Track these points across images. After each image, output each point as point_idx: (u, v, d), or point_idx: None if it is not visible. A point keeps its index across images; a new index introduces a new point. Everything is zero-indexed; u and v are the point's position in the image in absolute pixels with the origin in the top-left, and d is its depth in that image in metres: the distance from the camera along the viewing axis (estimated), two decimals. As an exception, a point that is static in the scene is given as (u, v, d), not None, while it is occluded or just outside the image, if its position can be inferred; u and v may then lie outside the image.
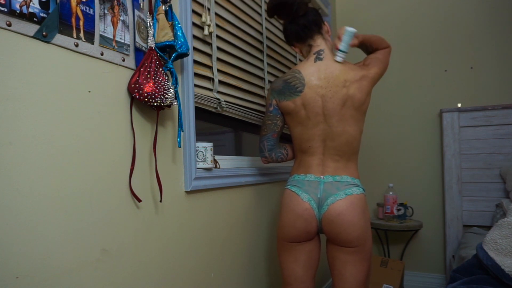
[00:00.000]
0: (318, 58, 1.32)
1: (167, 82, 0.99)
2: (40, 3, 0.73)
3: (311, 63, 1.32)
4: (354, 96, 1.26)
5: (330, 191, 1.26)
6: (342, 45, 1.29)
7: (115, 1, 0.92)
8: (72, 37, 0.81)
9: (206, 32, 1.33)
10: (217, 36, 1.45)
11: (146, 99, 0.93)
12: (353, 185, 1.27)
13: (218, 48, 1.46)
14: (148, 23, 1.01)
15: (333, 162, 1.30)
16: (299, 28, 1.35)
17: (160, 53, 1.01)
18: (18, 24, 0.70)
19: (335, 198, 1.24)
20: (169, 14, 1.04)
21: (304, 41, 1.37)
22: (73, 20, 0.80)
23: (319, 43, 1.35)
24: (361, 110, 1.29)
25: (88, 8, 0.84)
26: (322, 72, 1.29)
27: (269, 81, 1.86)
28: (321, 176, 1.29)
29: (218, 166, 1.42)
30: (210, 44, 1.40)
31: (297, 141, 1.36)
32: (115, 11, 0.92)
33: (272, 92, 1.38)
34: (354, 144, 1.31)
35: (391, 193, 2.42)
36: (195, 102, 1.31)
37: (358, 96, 1.27)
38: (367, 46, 1.43)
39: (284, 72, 2.03)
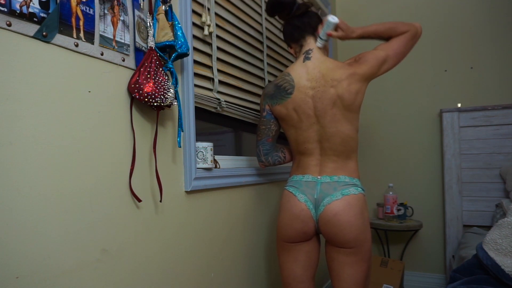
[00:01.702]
0: (306, 58, 1.31)
1: (167, 82, 0.99)
2: (40, 3, 0.73)
3: (300, 64, 1.32)
4: (342, 96, 1.23)
5: (327, 192, 1.25)
6: (321, 33, 1.33)
7: (115, 1, 0.92)
8: (72, 37, 0.81)
9: (206, 32, 1.33)
10: (217, 36, 1.45)
11: (146, 99, 0.93)
12: (351, 185, 1.26)
13: (218, 48, 1.46)
14: (148, 23, 1.01)
15: (331, 162, 1.29)
16: (293, 28, 1.35)
17: (160, 53, 1.01)
18: (18, 24, 0.70)
19: (331, 199, 1.24)
20: (169, 14, 1.04)
21: (297, 41, 1.37)
22: (73, 20, 0.80)
23: (309, 43, 1.34)
24: (352, 109, 1.26)
25: (88, 8, 0.84)
26: (310, 73, 1.28)
27: (269, 81, 1.86)
28: (318, 177, 1.29)
29: (218, 166, 1.42)
30: (210, 44, 1.40)
31: (293, 143, 1.36)
32: (115, 11, 0.92)
33: (265, 97, 1.39)
34: (351, 143, 1.29)
35: (391, 193, 2.42)
36: (195, 102, 1.31)
37: (347, 96, 1.24)
38: (375, 38, 1.35)
39: (284, 72, 2.03)
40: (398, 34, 1.30)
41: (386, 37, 1.32)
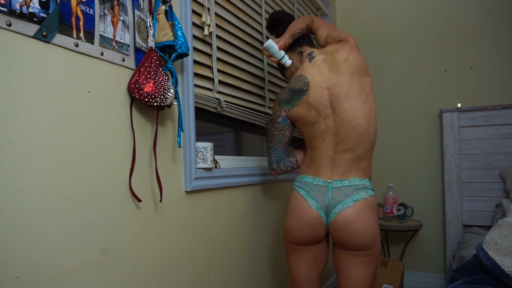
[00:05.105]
0: (311, 58, 1.35)
1: (167, 82, 0.99)
2: (40, 3, 0.73)
3: (307, 65, 1.34)
4: (356, 63, 1.29)
5: (338, 198, 1.24)
6: (277, 57, 1.38)
7: (115, 1, 0.92)
8: (72, 37, 0.81)
9: (206, 32, 1.33)
10: (217, 36, 1.45)
11: (146, 99, 0.93)
12: (362, 188, 1.24)
13: (218, 48, 1.46)
14: (148, 23, 1.01)
15: (343, 160, 1.26)
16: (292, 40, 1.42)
17: (160, 53, 1.01)
18: (18, 24, 0.70)
19: (343, 206, 1.22)
20: (169, 14, 1.04)
21: (294, 49, 1.44)
22: (73, 20, 0.80)
23: (307, 48, 1.43)
24: (368, 73, 1.31)
25: (88, 8, 0.84)
26: (322, 67, 1.30)
27: (269, 81, 1.86)
28: (329, 181, 1.26)
29: (218, 166, 1.42)
30: (210, 44, 1.40)
31: (308, 138, 1.33)
32: (115, 11, 0.92)
33: (280, 103, 1.36)
34: (367, 139, 1.26)
35: (391, 193, 2.42)
36: (195, 102, 1.31)
37: (359, 62, 1.29)
38: (301, 34, 1.44)
39: (284, 72, 2.03)
40: (313, 24, 1.47)
41: (307, 32, 1.47)
